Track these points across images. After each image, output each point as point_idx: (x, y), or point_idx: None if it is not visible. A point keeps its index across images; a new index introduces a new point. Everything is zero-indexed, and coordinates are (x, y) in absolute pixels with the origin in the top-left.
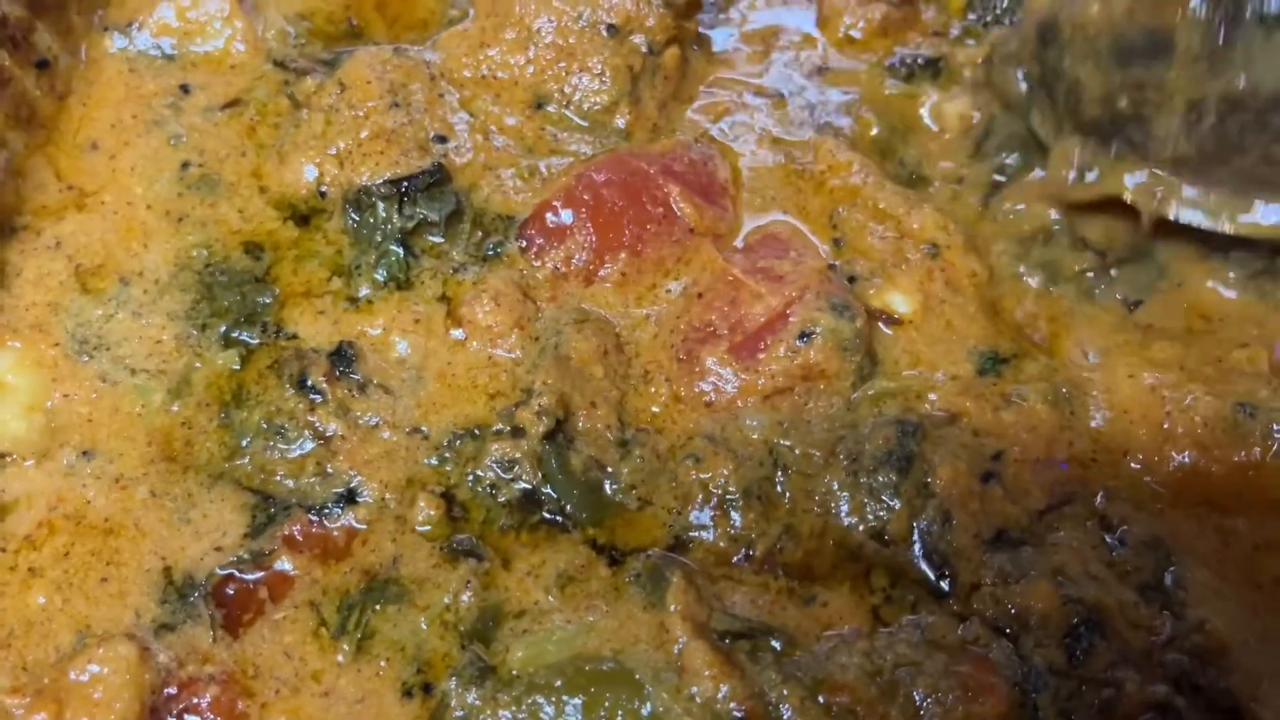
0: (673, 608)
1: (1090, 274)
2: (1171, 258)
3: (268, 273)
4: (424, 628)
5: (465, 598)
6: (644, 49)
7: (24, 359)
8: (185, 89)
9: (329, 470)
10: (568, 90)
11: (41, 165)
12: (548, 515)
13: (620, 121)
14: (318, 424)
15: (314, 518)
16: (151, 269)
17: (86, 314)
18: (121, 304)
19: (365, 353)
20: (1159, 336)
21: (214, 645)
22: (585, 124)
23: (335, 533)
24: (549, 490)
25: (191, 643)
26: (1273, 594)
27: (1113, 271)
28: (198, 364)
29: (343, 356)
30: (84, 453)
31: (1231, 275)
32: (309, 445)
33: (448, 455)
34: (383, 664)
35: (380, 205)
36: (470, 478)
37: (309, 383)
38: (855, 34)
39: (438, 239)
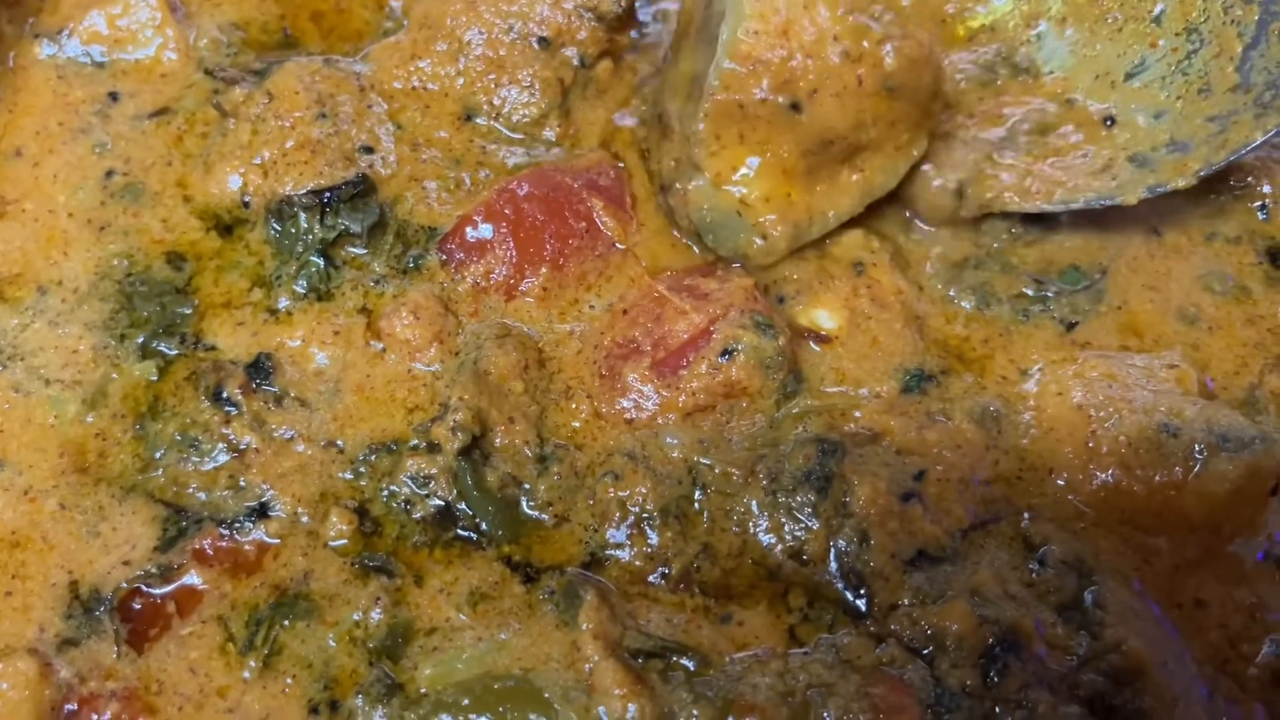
0: (585, 626)
1: (1026, 295)
2: (1115, 284)
3: (189, 283)
4: (332, 644)
5: (375, 614)
6: (575, 62)
7: None
8: (114, 96)
9: (242, 483)
10: (497, 102)
11: None
12: (462, 532)
13: (549, 134)
14: (232, 436)
15: (225, 531)
16: (71, 278)
17: (2, 323)
18: (39, 313)
19: (283, 365)
20: (1091, 354)
21: (118, 660)
22: (515, 136)
23: (246, 547)
24: (464, 507)
25: (95, 658)
26: (1191, 614)
27: (1050, 291)
28: (114, 375)
29: (260, 369)
30: None
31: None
32: (223, 458)
33: (363, 470)
34: (289, 680)
35: (302, 215)
36: (385, 493)
37: (224, 395)
38: None
39: (359, 250)
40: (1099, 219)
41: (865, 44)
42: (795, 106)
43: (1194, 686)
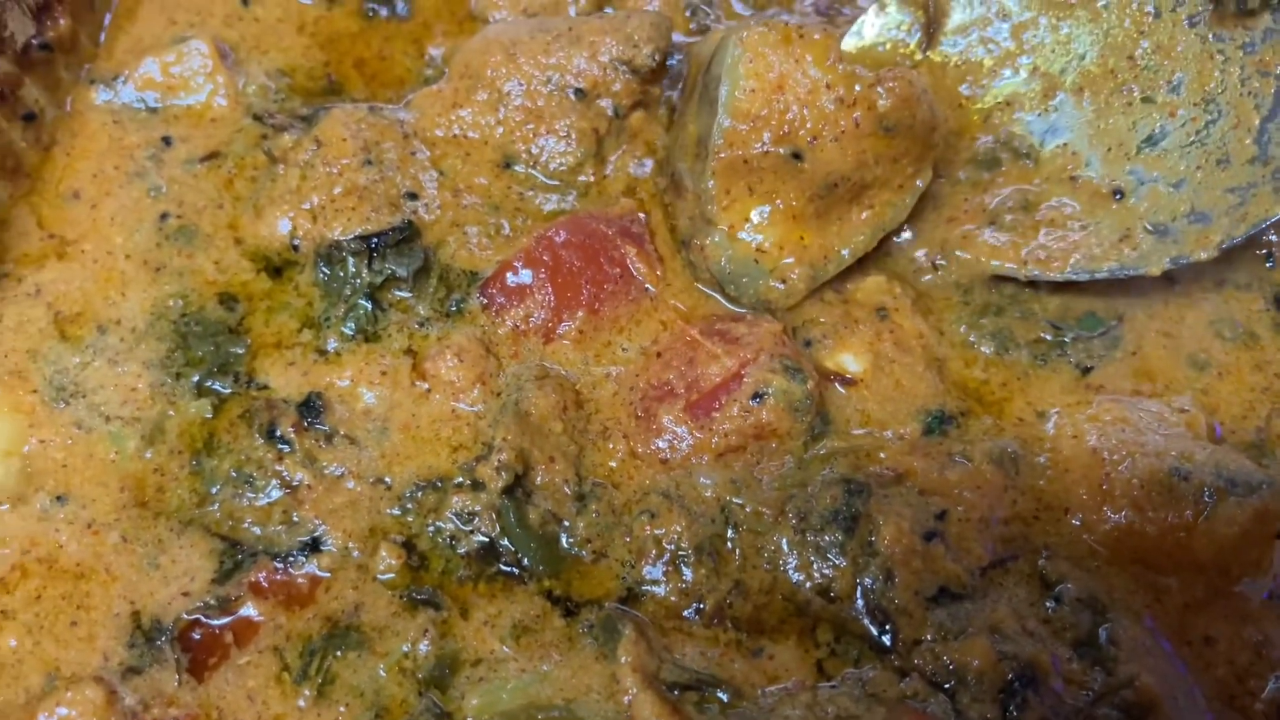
0: (624, 659)
1: (1044, 340)
2: (1131, 331)
3: (241, 323)
4: (383, 674)
5: (423, 646)
6: (610, 112)
7: (1, 405)
8: (167, 141)
9: (295, 519)
10: (535, 151)
11: (25, 214)
12: (505, 567)
13: (584, 180)
14: (285, 473)
15: (279, 565)
16: (129, 318)
17: (64, 361)
18: (99, 351)
19: (333, 404)
20: (1106, 398)
21: (179, 689)
22: (552, 183)
23: (300, 580)
24: (506, 543)
25: (157, 686)
26: (1200, 651)
27: (1067, 337)
28: (171, 412)
29: (311, 408)
30: (58, 498)
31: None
32: (276, 494)
33: (410, 506)
34: (342, 709)
35: (350, 260)
36: (431, 529)
37: (278, 433)
38: None
39: (404, 294)
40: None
41: (857, 88)
42: (797, 155)
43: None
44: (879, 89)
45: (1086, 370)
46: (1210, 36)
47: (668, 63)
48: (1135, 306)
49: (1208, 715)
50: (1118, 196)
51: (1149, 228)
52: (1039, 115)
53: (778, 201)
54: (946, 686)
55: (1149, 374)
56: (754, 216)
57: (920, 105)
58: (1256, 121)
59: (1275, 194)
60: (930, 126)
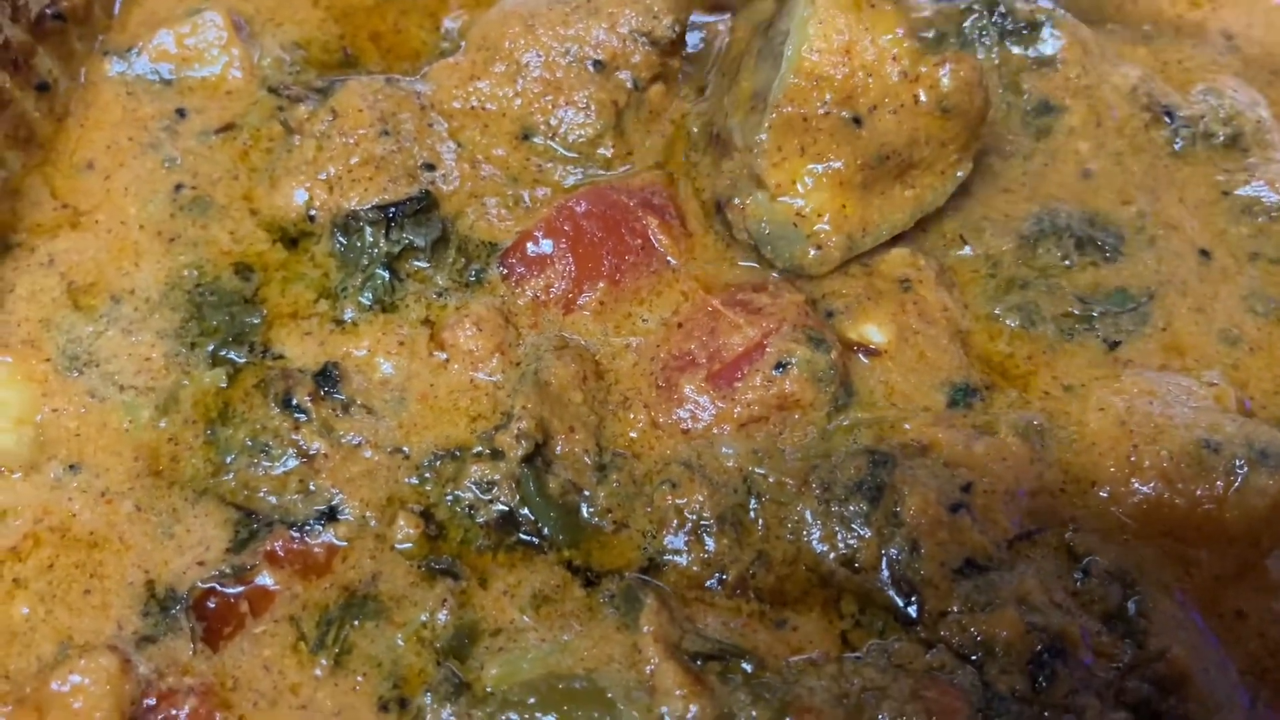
0: (646, 629)
1: (1072, 315)
2: (1162, 307)
3: (256, 293)
4: (401, 644)
5: (442, 616)
6: (629, 84)
7: (14, 373)
8: (181, 113)
9: (311, 488)
10: (554, 123)
11: (37, 184)
12: (524, 536)
13: (605, 153)
14: (301, 442)
15: (295, 534)
16: (143, 287)
17: (78, 330)
18: (112, 321)
19: (349, 373)
20: (1133, 371)
21: (194, 658)
22: (571, 155)
23: (316, 549)
24: (526, 512)
25: (172, 655)
26: (1232, 624)
27: (1095, 312)
28: (185, 381)
29: (328, 377)
30: (71, 466)
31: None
32: (292, 463)
33: (428, 475)
34: (359, 679)
35: (368, 230)
36: (449, 498)
37: (294, 402)
38: None
39: (423, 264)
40: (1157, 243)
41: (923, 67)
42: (856, 121)
43: (1236, 694)
44: (944, 69)
45: (1114, 345)
46: None
47: (686, 35)
48: (1168, 284)
49: (1240, 689)
50: None
51: None
52: None
53: (828, 165)
54: (974, 658)
55: (1179, 349)
56: (802, 178)
57: (979, 92)
58: None
59: None
60: (982, 115)
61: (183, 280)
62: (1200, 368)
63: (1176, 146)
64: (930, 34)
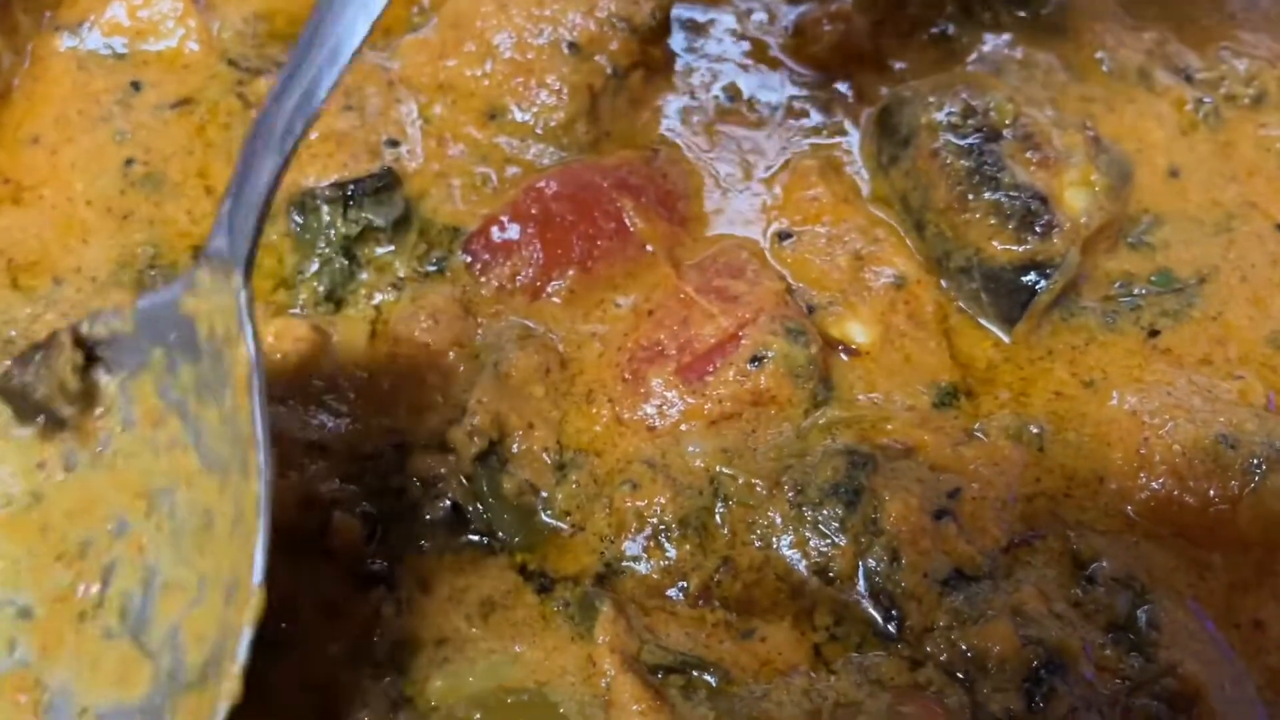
0: (601, 639)
1: (1115, 299)
2: (1212, 294)
3: None
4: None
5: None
6: (608, 70)
7: None
8: (135, 86)
9: None
10: (525, 105)
11: None
12: (474, 537)
13: (579, 135)
14: None
15: None
16: (90, 266)
17: (14, 312)
18: (51, 304)
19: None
20: (1163, 361)
21: None
22: (543, 137)
23: None
24: (477, 510)
25: None
26: (1249, 635)
27: (1139, 289)
28: None
29: None
30: None
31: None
32: None
33: (366, 468)
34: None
35: (325, 208)
36: (394, 493)
37: None
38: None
39: (384, 250)
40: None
41: None
42: None
43: (1253, 711)
44: None
45: (1155, 333)
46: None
47: (670, 23)
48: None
49: (1258, 705)
50: None
51: None
52: None
53: None
54: (964, 676)
55: (1222, 339)
56: None
57: None
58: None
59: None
60: None
61: (135, 259)
62: (1239, 366)
63: (1199, 116)
64: None
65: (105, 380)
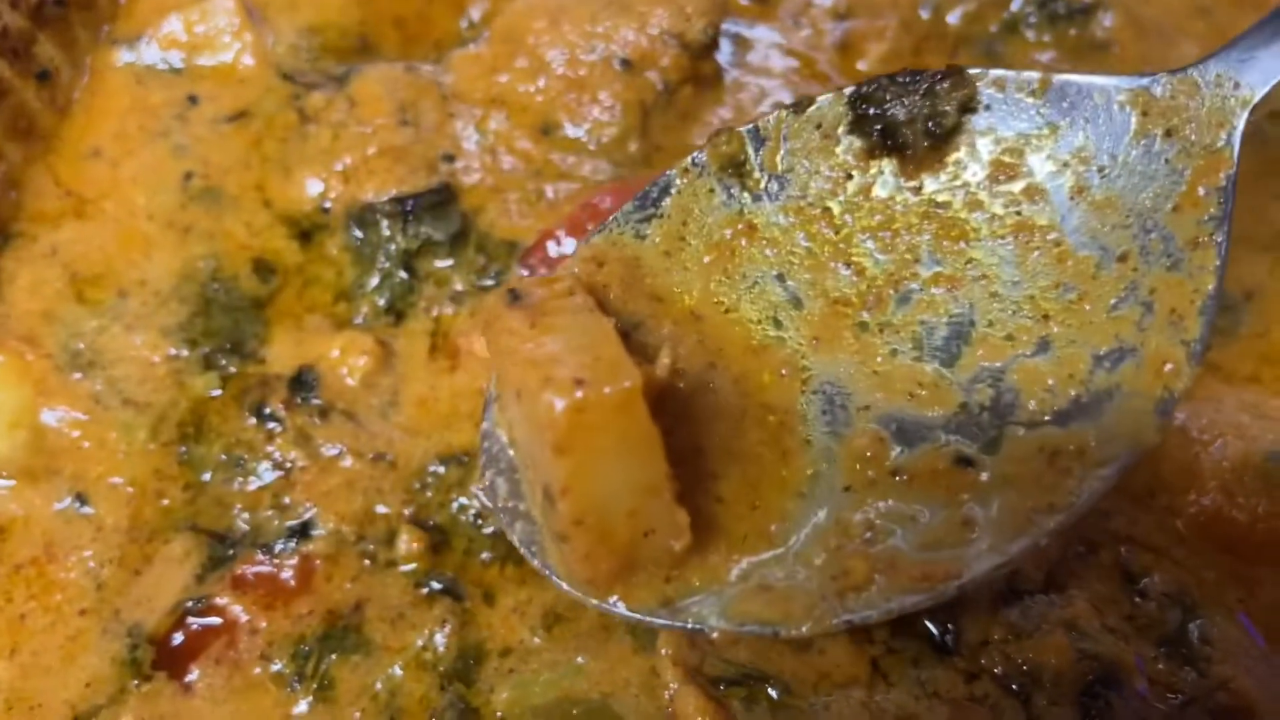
0: (664, 651)
1: None
2: (1259, 311)
3: (272, 297)
4: (399, 672)
5: (439, 638)
6: (659, 85)
7: (7, 373)
8: (192, 100)
9: (286, 502)
10: (578, 121)
11: (40, 173)
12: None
13: (631, 150)
14: (277, 454)
15: (264, 555)
16: (153, 279)
17: (81, 325)
18: (116, 316)
19: (325, 377)
20: (1213, 379)
21: (170, 699)
22: (596, 152)
23: (290, 571)
24: None
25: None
26: None
27: None
28: (180, 398)
29: (302, 382)
30: (77, 495)
31: None
32: (269, 476)
33: (428, 482)
34: (357, 714)
35: (384, 223)
36: (454, 505)
37: (267, 410)
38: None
39: (443, 263)
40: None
41: None
42: None
43: None
44: None
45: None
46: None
47: (720, 40)
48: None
49: None
50: None
51: None
52: None
53: None
54: (1019, 689)
55: (1272, 357)
56: None
57: None
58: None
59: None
60: None
61: (197, 272)
62: None
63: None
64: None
65: (975, 124)
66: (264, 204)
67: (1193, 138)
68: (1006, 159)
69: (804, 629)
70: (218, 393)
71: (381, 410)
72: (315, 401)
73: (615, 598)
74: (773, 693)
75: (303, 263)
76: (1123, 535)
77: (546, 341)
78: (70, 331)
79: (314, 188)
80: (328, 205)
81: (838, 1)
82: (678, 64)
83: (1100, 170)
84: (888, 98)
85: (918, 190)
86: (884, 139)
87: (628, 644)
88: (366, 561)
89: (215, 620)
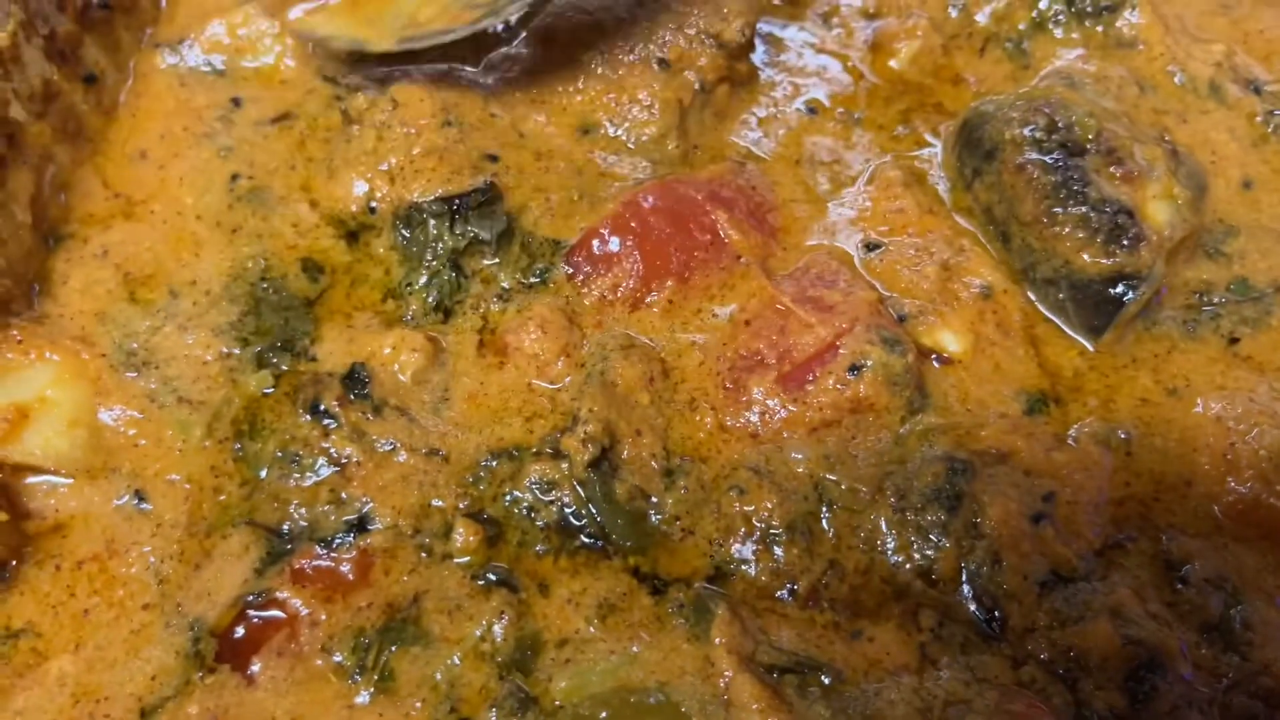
0: (718, 640)
1: (1195, 308)
2: None
3: (321, 296)
4: (457, 662)
5: (497, 629)
6: (696, 85)
7: (63, 372)
8: (236, 102)
9: (343, 497)
10: (617, 120)
11: (89, 175)
12: (587, 540)
13: (670, 149)
14: (332, 450)
15: (322, 549)
16: (204, 279)
17: (134, 325)
18: (170, 316)
19: (378, 374)
20: (1244, 368)
21: (234, 690)
22: (635, 151)
23: (348, 564)
24: (591, 514)
25: (214, 692)
26: None
27: (1218, 298)
28: (234, 396)
29: (355, 379)
30: (136, 492)
31: None
32: (325, 472)
33: (481, 475)
34: (417, 705)
35: (431, 223)
36: (508, 499)
37: (322, 407)
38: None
39: (489, 261)
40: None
41: None
42: None
43: None
44: None
45: (1235, 340)
46: None
47: (755, 40)
48: None
49: None
50: None
51: None
52: None
53: None
54: (1065, 674)
55: None
56: None
57: None
58: None
59: None
60: None
61: (247, 272)
62: None
63: (1270, 129)
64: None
65: None
66: (310, 205)
67: None
68: None
69: None
70: (270, 390)
71: (434, 406)
72: (368, 398)
73: None
74: (825, 680)
75: (350, 262)
76: (1162, 524)
77: None
78: (124, 331)
79: (359, 188)
80: (374, 205)
81: (867, 1)
82: (715, 63)
83: None
84: None
85: None
86: None
87: (681, 633)
88: (423, 554)
89: (276, 613)
